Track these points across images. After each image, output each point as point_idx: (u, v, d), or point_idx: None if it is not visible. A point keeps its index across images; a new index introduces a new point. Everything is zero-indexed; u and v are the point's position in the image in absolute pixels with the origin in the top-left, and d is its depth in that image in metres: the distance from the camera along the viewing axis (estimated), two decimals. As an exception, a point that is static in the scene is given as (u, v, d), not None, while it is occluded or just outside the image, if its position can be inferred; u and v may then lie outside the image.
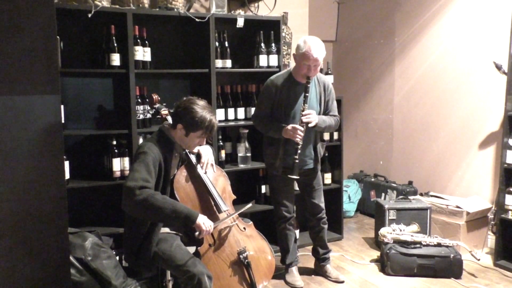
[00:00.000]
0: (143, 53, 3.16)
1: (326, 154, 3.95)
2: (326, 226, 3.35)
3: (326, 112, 3.13)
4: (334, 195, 4.05)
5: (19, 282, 1.68)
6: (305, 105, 2.89)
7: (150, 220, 2.32)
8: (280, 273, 3.30)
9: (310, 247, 3.61)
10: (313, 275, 3.39)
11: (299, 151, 2.90)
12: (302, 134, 2.87)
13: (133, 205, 2.16)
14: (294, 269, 3.29)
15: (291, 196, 3.23)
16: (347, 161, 4.50)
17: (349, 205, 4.75)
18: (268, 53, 3.62)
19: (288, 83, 3.01)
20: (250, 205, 2.59)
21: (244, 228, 2.64)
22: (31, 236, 1.69)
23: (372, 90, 5.03)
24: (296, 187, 3.44)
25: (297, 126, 2.87)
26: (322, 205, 3.28)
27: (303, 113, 2.88)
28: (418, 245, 3.38)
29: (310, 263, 3.53)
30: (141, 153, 2.29)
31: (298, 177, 2.95)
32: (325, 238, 3.36)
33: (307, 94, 2.89)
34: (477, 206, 3.75)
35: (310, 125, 2.91)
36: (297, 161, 2.90)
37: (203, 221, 2.25)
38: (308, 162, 3.12)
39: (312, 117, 2.90)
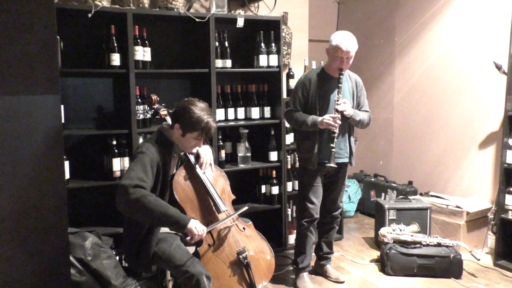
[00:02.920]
0: (143, 53, 3.15)
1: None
2: (337, 227, 3.39)
3: (358, 108, 3.17)
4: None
5: (19, 282, 1.68)
6: (339, 95, 2.94)
7: (140, 221, 2.29)
8: (280, 273, 3.30)
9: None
10: (313, 275, 3.39)
11: (335, 140, 2.93)
12: (339, 122, 2.91)
13: (125, 204, 2.14)
14: (305, 274, 3.25)
15: (319, 195, 3.17)
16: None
17: (349, 205, 4.75)
18: (268, 53, 3.61)
19: (321, 78, 3.06)
20: (246, 207, 2.60)
21: (244, 228, 2.64)
22: (31, 236, 1.69)
23: (372, 90, 5.03)
24: None
25: (333, 114, 2.92)
26: (342, 204, 3.34)
27: (338, 102, 2.93)
28: (418, 245, 3.38)
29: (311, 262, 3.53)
30: (139, 153, 2.29)
31: (335, 166, 2.96)
32: (333, 237, 3.40)
33: (340, 85, 2.94)
34: (477, 206, 3.75)
35: (345, 113, 2.95)
36: (334, 149, 2.93)
37: (194, 225, 2.22)
38: (343, 155, 3.13)
39: (346, 105, 2.96)
